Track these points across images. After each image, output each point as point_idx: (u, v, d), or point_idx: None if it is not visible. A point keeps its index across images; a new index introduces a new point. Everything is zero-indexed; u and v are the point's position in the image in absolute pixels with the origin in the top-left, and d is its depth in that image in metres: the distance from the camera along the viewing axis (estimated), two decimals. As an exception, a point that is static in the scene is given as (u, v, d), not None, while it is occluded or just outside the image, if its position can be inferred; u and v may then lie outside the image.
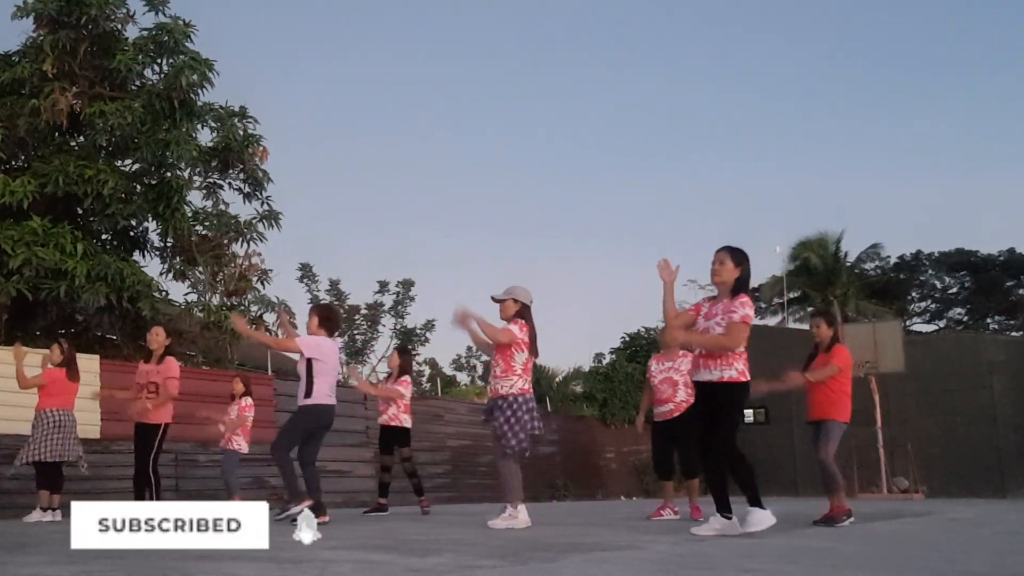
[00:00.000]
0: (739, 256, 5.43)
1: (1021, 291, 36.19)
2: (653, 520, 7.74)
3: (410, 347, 21.04)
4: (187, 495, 11.17)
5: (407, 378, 9.57)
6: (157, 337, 8.10)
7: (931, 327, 37.34)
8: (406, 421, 9.41)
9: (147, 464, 7.74)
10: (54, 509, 8.13)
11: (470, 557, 3.92)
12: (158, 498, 7.89)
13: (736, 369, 5.32)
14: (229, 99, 13.99)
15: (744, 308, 5.32)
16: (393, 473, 9.59)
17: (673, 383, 8.24)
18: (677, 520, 7.59)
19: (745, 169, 54.71)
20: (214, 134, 13.87)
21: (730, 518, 5.35)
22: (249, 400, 10.14)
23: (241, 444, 10.12)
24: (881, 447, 17.53)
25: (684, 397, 8.13)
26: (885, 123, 52.50)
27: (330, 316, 7.57)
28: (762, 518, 5.30)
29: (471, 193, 55.34)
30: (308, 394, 6.96)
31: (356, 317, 20.82)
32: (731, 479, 5.39)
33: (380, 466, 9.63)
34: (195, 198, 13.89)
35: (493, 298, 6.56)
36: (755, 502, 5.35)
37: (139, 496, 7.79)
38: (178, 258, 13.70)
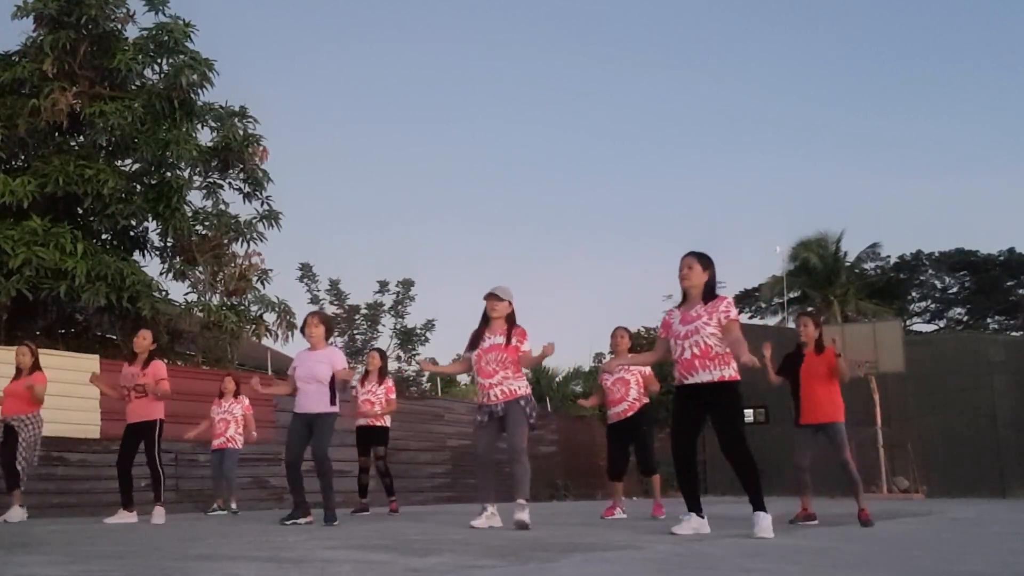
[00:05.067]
0: (706, 260, 5.61)
1: (1021, 291, 36.17)
2: (605, 519, 7.80)
3: (409, 346, 21.11)
4: (187, 495, 11.18)
5: (391, 383, 9.61)
6: (144, 341, 8.11)
7: (931, 327, 37.34)
8: (387, 421, 9.48)
9: (153, 460, 7.78)
10: (21, 505, 8.22)
11: (470, 557, 3.92)
12: (162, 494, 7.91)
13: (732, 368, 5.43)
14: (229, 99, 14.03)
15: (733, 307, 5.57)
16: (371, 473, 9.60)
17: (625, 383, 8.35)
18: (635, 520, 7.61)
19: (745, 168, 54.76)
20: (214, 134, 13.89)
21: (703, 518, 5.52)
22: (247, 400, 10.20)
23: (240, 443, 10.16)
24: (881, 447, 17.54)
25: (636, 396, 8.34)
26: (885, 122, 52.55)
27: (332, 326, 7.81)
28: (769, 524, 5.26)
29: (471, 193, 55.40)
30: (333, 401, 7.20)
31: (356, 317, 20.82)
32: (739, 479, 5.38)
33: (360, 467, 9.52)
34: (195, 198, 13.94)
35: (494, 295, 6.48)
36: (760, 505, 5.33)
37: (125, 491, 7.80)
38: (178, 258, 13.71)
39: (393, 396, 9.46)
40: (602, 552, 4.29)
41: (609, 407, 8.49)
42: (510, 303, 6.53)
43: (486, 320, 6.52)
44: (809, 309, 30.61)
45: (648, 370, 8.30)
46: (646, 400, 8.41)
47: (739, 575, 3.40)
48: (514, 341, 6.41)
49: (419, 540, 4.97)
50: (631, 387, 8.33)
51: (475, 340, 6.54)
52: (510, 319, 6.52)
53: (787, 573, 3.44)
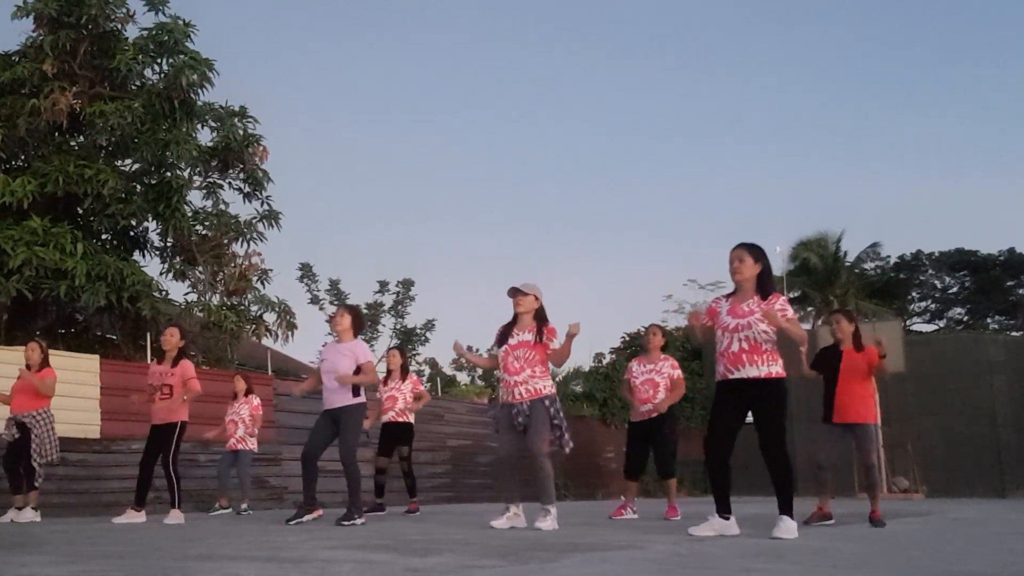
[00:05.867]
0: (757, 251, 5.46)
1: (1021, 291, 36.16)
2: (614, 519, 7.74)
3: (409, 346, 21.09)
4: (187, 495, 11.16)
5: (415, 377, 9.60)
6: (172, 339, 7.98)
7: (931, 327, 37.32)
8: (411, 418, 9.38)
9: (168, 464, 7.75)
10: (35, 508, 8.15)
11: (470, 557, 3.92)
12: (179, 497, 7.89)
13: (779, 365, 5.33)
14: (229, 99, 14.04)
15: (789, 306, 5.45)
16: (388, 472, 9.45)
17: (655, 384, 8.20)
18: (676, 521, 7.57)
19: (745, 168, 54.69)
20: (214, 134, 13.89)
21: (728, 519, 5.34)
22: (257, 400, 10.20)
23: (253, 444, 10.13)
24: (881, 447, 17.51)
25: (663, 398, 8.17)
26: (885, 122, 52.45)
27: (361, 317, 7.71)
28: (793, 529, 5.19)
29: (471, 193, 55.33)
30: (357, 393, 7.11)
31: (356, 317, 20.79)
32: (773, 479, 5.33)
33: (376, 468, 9.26)
34: (195, 198, 13.93)
35: (517, 290, 6.39)
36: (787, 510, 5.27)
37: (140, 490, 7.78)
38: (178, 258, 13.71)
39: (422, 388, 9.44)
40: (602, 552, 4.29)
41: (635, 406, 8.41)
42: (536, 297, 6.42)
43: (515, 317, 6.44)
44: (810, 308, 30.68)
45: (678, 374, 8.22)
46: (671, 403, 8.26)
47: (739, 575, 3.40)
48: (544, 340, 6.31)
49: (419, 540, 4.97)
50: (660, 389, 8.15)
51: (503, 336, 6.44)
52: (540, 316, 6.41)
53: (787, 573, 3.44)
